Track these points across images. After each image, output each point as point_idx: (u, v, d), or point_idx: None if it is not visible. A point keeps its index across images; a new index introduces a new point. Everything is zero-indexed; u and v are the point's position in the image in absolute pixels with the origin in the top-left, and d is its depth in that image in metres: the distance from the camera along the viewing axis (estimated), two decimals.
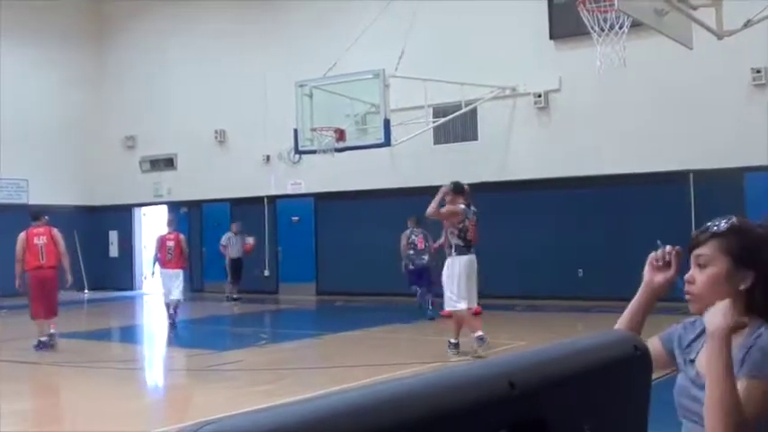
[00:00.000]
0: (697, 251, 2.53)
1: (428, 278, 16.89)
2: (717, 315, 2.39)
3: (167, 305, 16.40)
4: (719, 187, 16.13)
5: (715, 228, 2.52)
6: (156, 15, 25.39)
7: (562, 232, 18.14)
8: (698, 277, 2.52)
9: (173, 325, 16.13)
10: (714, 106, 16.53)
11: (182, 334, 16.17)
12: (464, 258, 11.36)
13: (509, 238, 18.59)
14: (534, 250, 18.34)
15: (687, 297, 2.54)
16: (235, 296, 20.68)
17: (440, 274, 16.33)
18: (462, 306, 11.40)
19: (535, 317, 16.30)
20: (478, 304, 15.95)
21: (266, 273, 23.01)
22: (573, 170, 18.11)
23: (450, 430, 1.28)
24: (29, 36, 25.05)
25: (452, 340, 11.59)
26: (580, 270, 17.92)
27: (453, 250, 11.40)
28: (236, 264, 20.82)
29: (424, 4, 18.68)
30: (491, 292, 18.36)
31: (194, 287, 22.62)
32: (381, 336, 14.31)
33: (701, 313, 2.57)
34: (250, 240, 21.07)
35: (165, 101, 24.98)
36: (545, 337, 11.45)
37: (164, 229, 17.25)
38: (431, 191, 18.87)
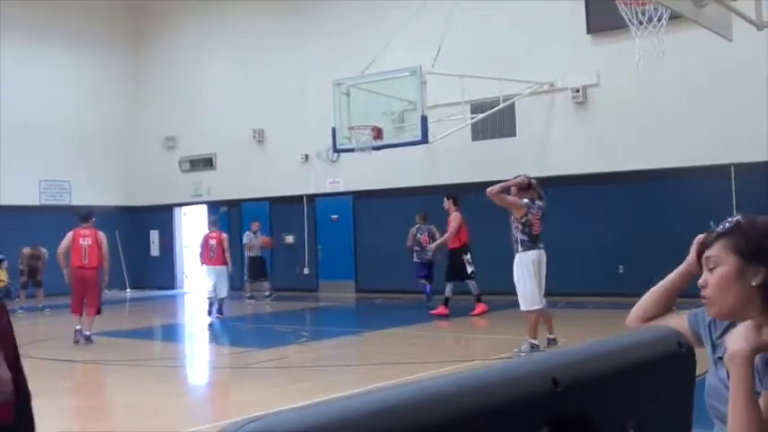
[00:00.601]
0: (706, 254, 2.51)
1: (432, 271, 17.72)
2: (737, 338, 2.34)
3: (210, 300, 16.75)
4: (761, 180, 15.94)
5: (720, 228, 2.50)
6: (194, 16, 25.58)
7: (602, 228, 18.01)
8: (709, 280, 2.48)
9: (219, 315, 16.93)
10: (755, 98, 16.30)
11: (222, 332, 16.30)
12: (531, 254, 10.94)
13: (549, 235, 18.32)
14: (574, 246, 18.22)
15: (703, 301, 2.52)
16: (267, 293, 20.98)
17: (442, 269, 16.62)
18: (534, 308, 11.01)
19: (576, 314, 16.21)
20: (484, 302, 16.10)
21: (306, 271, 23.09)
22: (613, 165, 17.98)
23: (494, 427, 1.28)
24: (68, 40, 25.35)
25: (532, 341, 11.12)
26: (621, 266, 17.78)
27: (519, 246, 10.97)
28: (257, 262, 21.17)
29: (461, 1, 18.65)
30: None
31: (234, 286, 22.73)
32: (421, 333, 14.30)
33: (718, 317, 2.55)
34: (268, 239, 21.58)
35: (204, 101, 25.16)
36: (587, 335, 11.38)
37: (206, 228, 17.89)
38: (469, 187, 18.99)
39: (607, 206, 18.06)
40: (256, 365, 11.48)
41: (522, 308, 11.07)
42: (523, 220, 10.93)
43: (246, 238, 21.37)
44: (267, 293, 20.93)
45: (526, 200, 11.09)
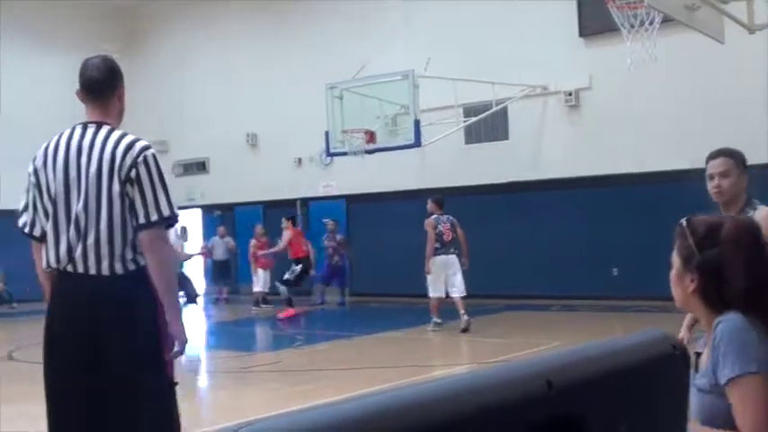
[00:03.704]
0: None
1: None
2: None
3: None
4: (753, 184, 15.94)
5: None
6: (186, 19, 25.55)
7: (595, 231, 18.02)
8: None
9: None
10: (746, 101, 16.34)
11: (217, 336, 16.30)
12: (439, 258, 14.03)
13: (541, 238, 18.53)
14: (567, 250, 18.24)
15: None
16: (224, 296, 21.71)
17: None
18: (434, 295, 14.15)
19: (570, 317, 16.22)
20: (294, 307, 17.57)
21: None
22: (605, 168, 17.99)
23: (489, 428, 1.30)
24: (57, 41, 25.24)
25: (435, 320, 14.24)
26: (615, 269, 17.79)
27: (434, 252, 14.03)
28: (223, 265, 21.57)
29: (453, 4, 18.69)
30: (525, 292, 18.32)
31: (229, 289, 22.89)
32: (414, 337, 14.31)
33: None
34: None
35: (197, 105, 25.11)
36: (581, 337, 11.41)
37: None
38: (462, 191, 19.00)
39: (600, 209, 18.07)
40: (252, 369, 11.48)
41: (429, 294, 14.27)
42: (436, 231, 14.05)
43: (210, 242, 22.62)
44: (224, 297, 22.06)
45: (435, 215, 14.20)
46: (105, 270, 3.88)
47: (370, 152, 16.99)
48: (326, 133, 17.22)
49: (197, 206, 25.44)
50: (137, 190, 3.95)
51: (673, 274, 2.53)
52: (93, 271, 3.89)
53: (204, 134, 24.90)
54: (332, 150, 17.61)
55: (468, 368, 10.50)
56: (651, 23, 11.32)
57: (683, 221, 2.56)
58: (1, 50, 23.62)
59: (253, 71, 23.66)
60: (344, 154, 17.40)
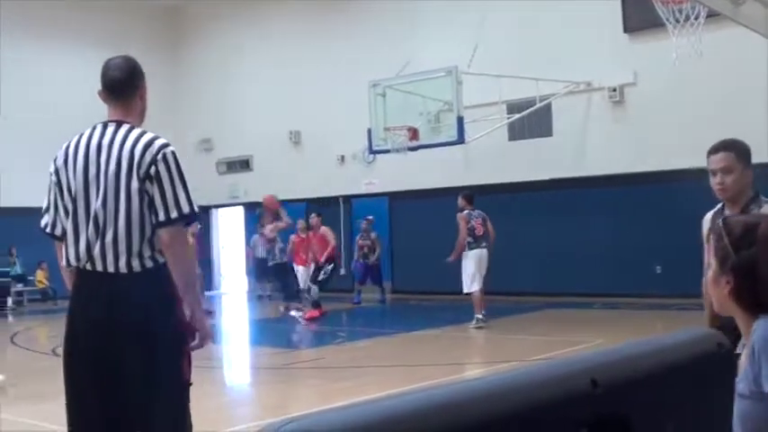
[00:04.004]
0: None
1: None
2: None
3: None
4: None
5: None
6: (230, 17, 25.70)
7: (639, 228, 17.85)
8: None
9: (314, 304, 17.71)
10: None
11: (259, 332, 16.38)
12: (473, 252, 14.34)
13: (585, 235, 18.39)
14: (610, 247, 18.09)
15: None
16: (267, 293, 21.64)
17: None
18: (475, 288, 14.23)
19: (612, 315, 16.10)
20: (320, 307, 17.21)
21: (342, 271, 23.11)
22: (650, 165, 17.81)
23: (534, 426, 1.29)
24: (104, 39, 25.41)
25: (478, 315, 14.31)
26: (658, 266, 17.62)
27: (467, 247, 14.35)
28: (264, 262, 21.46)
29: (496, 1, 18.59)
30: (567, 289, 18.21)
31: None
32: (455, 335, 14.28)
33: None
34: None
35: (241, 103, 25.27)
36: (624, 336, 11.31)
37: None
38: (505, 187, 18.93)
39: (643, 206, 17.89)
40: (294, 365, 11.53)
41: (465, 290, 14.43)
42: (468, 226, 14.39)
43: (254, 240, 21.78)
44: (267, 294, 22.05)
45: (467, 210, 14.55)
46: (123, 267, 3.92)
47: (412, 149, 16.98)
48: (369, 131, 17.25)
49: (240, 204, 25.60)
50: (156, 187, 3.96)
51: (709, 275, 2.50)
52: (111, 269, 3.93)
53: (247, 132, 25.06)
54: (374, 148, 17.64)
55: (510, 366, 10.46)
56: (696, 18, 11.21)
57: (720, 221, 2.52)
58: (42, 48, 23.99)
59: (296, 69, 23.75)
60: (387, 151, 17.43)
